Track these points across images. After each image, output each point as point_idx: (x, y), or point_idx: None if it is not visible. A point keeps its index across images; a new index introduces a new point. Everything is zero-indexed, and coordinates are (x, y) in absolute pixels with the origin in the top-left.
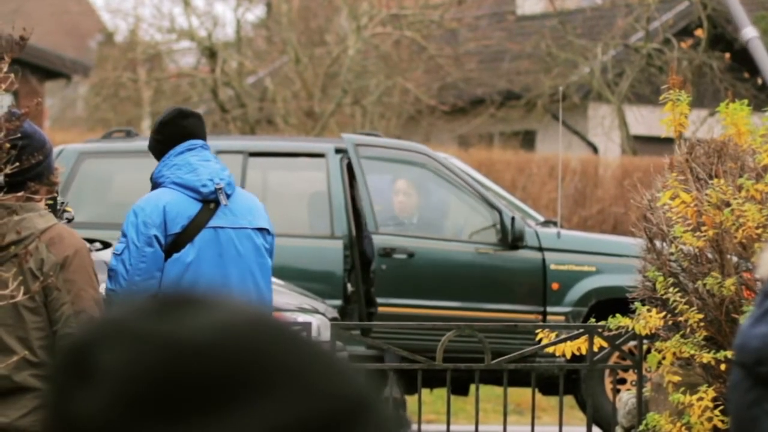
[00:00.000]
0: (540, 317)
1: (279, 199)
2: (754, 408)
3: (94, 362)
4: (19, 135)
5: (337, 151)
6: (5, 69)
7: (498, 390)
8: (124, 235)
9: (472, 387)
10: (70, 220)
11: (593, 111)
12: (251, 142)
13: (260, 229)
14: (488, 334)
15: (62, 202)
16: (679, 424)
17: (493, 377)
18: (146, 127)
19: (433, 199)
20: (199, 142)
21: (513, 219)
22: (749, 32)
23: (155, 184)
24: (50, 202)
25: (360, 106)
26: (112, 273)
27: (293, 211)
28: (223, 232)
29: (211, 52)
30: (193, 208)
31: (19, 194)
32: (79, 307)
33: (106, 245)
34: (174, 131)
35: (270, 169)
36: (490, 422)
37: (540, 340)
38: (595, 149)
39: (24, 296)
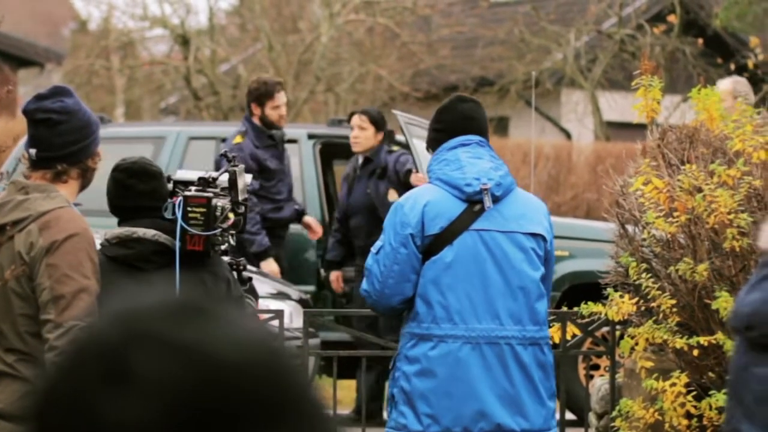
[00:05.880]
0: None
1: None
2: (745, 371)
3: (126, 365)
4: (56, 110)
5: (310, 137)
6: None
7: None
8: (385, 233)
9: None
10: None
11: (566, 97)
12: (224, 128)
13: (534, 234)
14: None
15: (223, 208)
16: (652, 410)
17: None
18: (119, 114)
19: None
20: (476, 138)
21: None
22: None
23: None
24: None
25: (333, 93)
26: (367, 272)
27: None
28: (488, 235)
29: (184, 40)
30: (456, 208)
31: (46, 174)
32: (58, 293)
33: None
34: (453, 117)
35: None
36: None
37: None
38: (568, 135)
39: (11, 278)
